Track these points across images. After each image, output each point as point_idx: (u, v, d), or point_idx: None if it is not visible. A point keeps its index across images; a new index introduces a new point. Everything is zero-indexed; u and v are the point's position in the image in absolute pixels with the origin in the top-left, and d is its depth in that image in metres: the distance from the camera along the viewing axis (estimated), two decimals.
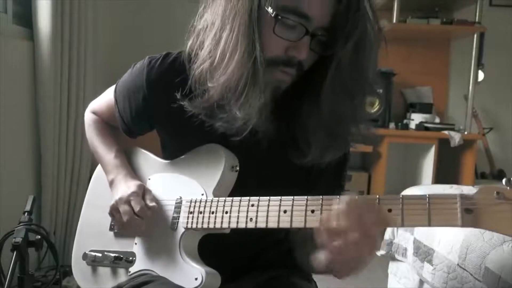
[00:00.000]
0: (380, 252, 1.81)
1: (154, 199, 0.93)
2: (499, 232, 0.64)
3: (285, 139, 0.86)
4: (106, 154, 1.04)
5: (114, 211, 0.93)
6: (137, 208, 0.90)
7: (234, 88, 0.79)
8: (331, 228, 0.68)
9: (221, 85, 0.80)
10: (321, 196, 0.75)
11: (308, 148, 0.84)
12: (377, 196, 0.71)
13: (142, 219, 0.90)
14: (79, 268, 1.03)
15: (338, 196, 0.73)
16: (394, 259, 1.80)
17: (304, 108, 0.84)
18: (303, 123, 0.84)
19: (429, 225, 0.66)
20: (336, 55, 0.77)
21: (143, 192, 0.93)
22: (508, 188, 0.63)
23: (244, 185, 0.89)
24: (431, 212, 0.66)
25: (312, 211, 0.75)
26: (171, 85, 0.88)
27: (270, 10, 0.76)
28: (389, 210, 0.69)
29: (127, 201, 0.91)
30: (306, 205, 0.76)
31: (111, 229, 1.00)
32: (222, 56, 0.79)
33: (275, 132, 0.83)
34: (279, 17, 0.76)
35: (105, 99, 1.08)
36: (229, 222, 0.82)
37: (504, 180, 0.64)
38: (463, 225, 0.64)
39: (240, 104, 0.78)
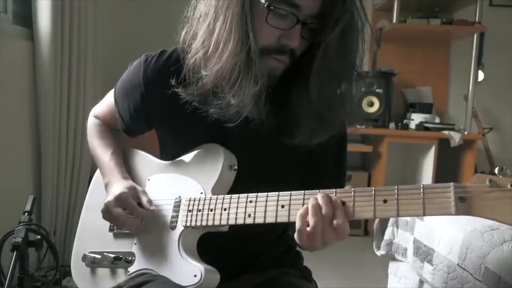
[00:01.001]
0: (380, 252, 1.82)
1: (150, 200, 0.92)
2: (491, 219, 0.65)
3: (279, 125, 0.87)
4: (102, 156, 1.04)
5: (106, 214, 0.92)
6: (128, 208, 0.90)
7: (228, 76, 0.80)
8: (304, 220, 0.75)
9: (215, 74, 0.81)
10: (318, 190, 0.76)
11: (298, 131, 0.85)
12: (334, 190, 0.75)
13: (138, 218, 0.91)
14: (78, 270, 1.03)
15: (334, 190, 0.75)
16: (394, 259, 1.80)
17: (295, 94, 0.86)
18: (294, 108, 0.86)
19: (424, 214, 0.68)
20: (323, 41, 0.80)
21: (134, 191, 0.93)
22: (500, 176, 0.65)
23: (244, 175, 0.89)
24: (426, 202, 0.68)
25: None
26: (167, 79, 0.89)
27: (262, 0, 0.78)
28: (385, 201, 0.70)
29: (117, 203, 0.90)
30: (304, 199, 0.77)
31: (110, 230, 1.00)
32: (216, 45, 0.81)
33: (270, 119, 0.85)
34: (271, 7, 0.79)
35: (106, 102, 1.09)
36: (228, 218, 0.83)
37: (496, 169, 0.66)
38: (457, 213, 0.66)
39: (234, 92, 0.80)
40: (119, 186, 0.94)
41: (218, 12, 0.81)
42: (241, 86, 0.79)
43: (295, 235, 0.76)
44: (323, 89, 0.83)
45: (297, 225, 0.75)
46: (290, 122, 0.86)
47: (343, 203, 0.73)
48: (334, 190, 0.75)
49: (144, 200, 0.92)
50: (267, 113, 0.83)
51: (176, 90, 0.87)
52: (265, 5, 0.79)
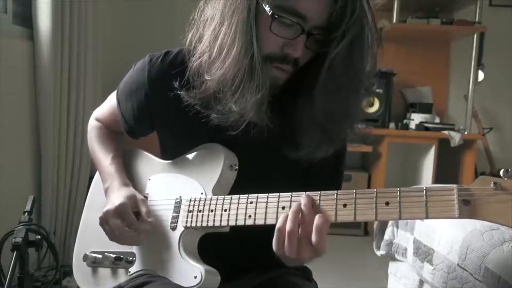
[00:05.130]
0: (380, 252, 1.82)
1: (149, 212, 0.91)
2: (496, 222, 0.63)
3: (281, 134, 0.86)
4: (103, 160, 1.03)
5: (102, 224, 0.90)
6: (126, 222, 0.88)
7: (230, 82, 0.80)
8: (281, 229, 0.74)
9: (218, 79, 0.81)
10: (319, 192, 0.75)
11: (302, 144, 0.85)
12: (335, 192, 0.73)
13: (134, 231, 0.89)
14: (79, 269, 1.03)
15: (335, 192, 0.74)
16: (394, 259, 1.80)
17: (298, 104, 0.85)
18: (297, 119, 0.85)
19: (427, 217, 0.66)
20: (330, 54, 0.78)
21: (134, 201, 0.91)
22: (506, 178, 0.63)
23: (243, 179, 0.89)
24: (429, 204, 0.66)
25: None
26: (172, 80, 0.89)
27: (267, 8, 0.77)
28: (387, 203, 0.69)
29: (116, 214, 0.88)
30: None
31: None
32: (220, 50, 0.80)
33: (272, 127, 0.84)
34: (276, 16, 0.77)
35: (107, 104, 1.08)
36: (228, 219, 0.82)
37: (502, 171, 0.64)
38: (460, 216, 0.64)
39: (236, 99, 0.80)
40: (119, 194, 0.92)
41: (224, 17, 0.80)
42: (243, 93, 0.79)
43: (273, 241, 0.76)
44: (329, 102, 0.81)
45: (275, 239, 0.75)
46: (293, 133, 0.85)
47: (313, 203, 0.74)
48: (335, 192, 0.74)
49: (143, 210, 0.90)
50: (269, 120, 0.82)
51: (179, 92, 0.86)
52: (270, 14, 0.77)
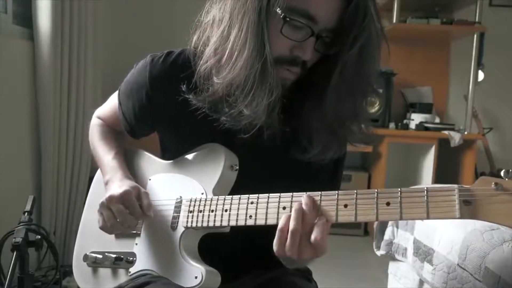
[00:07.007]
0: (380, 252, 1.82)
1: (150, 205, 0.90)
2: (497, 223, 0.63)
3: (289, 136, 0.86)
4: (105, 155, 1.03)
5: (103, 208, 0.89)
6: (130, 207, 0.88)
7: (241, 86, 0.79)
8: (284, 229, 0.74)
9: (228, 82, 0.80)
10: (320, 192, 0.75)
11: (310, 146, 0.85)
12: (336, 192, 0.73)
13: (136, 219, 0.89)
14: (80, 269, 1.03)
15: (337, 192, 0.74)
16: (394, 259, 1.80)
17: (307, 107, 0.85)
18: (306, 122, 0.85)
19: (428, 217, 0.66)
20: (341, 59, 0.78)
21: (137, 192, 0.91)
22: (506, 179, 0.63)
23: (247, 181, 0.88)
24: (429, 205, 0.66)
25: None
26: (174, 81, 0.88)
27: (278, 11, 0.77)
28: (388, 204, 0.69)
29: (120, 200, 0.88)
30: None
31: None
32: (230, 53, 0.80)
33: (279, 129, 0.84)
34: (287, 19, 0.77)
35: (109, 104, 1.08)
36: (229, 220, 0.82)
37: (502, 172, 0.64)
38: (462, 217, 0.64)
39: (248, 103, 0.79)
40: (124, 183, 0.92)
41: (233, 20, 0.79)
42: (255, 97, 0.78)
43: (274, 242, 0.75)
44: (339, 104, 0.81)
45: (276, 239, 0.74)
46: (302, 135, 0.85)
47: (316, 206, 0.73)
48: (336, 192, 0.74)
49: (144, 202, 0.90)
50: (279, 124, 0.82)
51: (187, 96, 0.86)
52: (281, 16, 0.77)
